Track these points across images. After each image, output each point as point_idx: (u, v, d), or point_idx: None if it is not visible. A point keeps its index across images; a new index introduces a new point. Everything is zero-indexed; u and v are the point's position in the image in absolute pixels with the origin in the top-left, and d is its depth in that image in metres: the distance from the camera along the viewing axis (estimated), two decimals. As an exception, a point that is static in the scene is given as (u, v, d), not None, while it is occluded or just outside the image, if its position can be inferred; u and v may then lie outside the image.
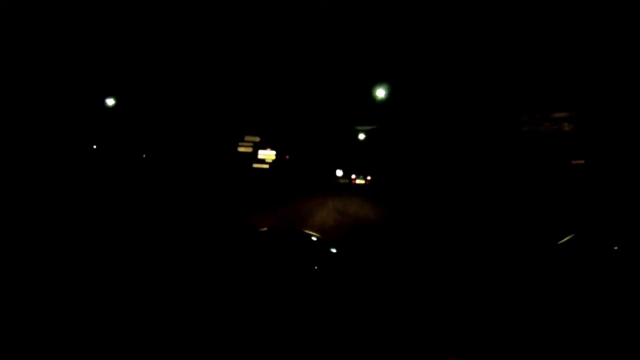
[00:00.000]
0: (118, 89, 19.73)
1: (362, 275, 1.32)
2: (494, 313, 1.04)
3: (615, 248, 1.27)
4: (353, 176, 43.94)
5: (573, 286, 1.16)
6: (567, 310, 1.04)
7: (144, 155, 23.63)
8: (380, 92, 18.86)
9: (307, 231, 1.69)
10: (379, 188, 23.51)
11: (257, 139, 27.02)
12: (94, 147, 20.14)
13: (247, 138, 26.93)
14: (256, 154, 27.07)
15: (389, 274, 1.32)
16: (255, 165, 26.67)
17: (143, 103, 21.67)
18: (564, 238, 1.38)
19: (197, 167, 20.59)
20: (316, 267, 1.35)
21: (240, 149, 26.65)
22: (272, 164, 27.24)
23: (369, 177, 39.14)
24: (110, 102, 19.28)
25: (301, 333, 0.99)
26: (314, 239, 1.59)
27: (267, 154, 27.44)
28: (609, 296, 1.07)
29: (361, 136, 35.44)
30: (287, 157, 29.87)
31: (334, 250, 1.48)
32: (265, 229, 2.21)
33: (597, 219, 5.60)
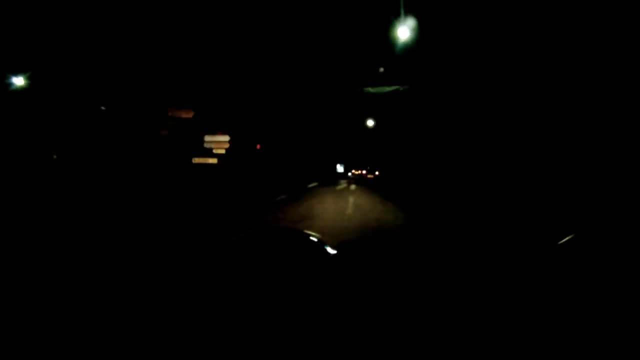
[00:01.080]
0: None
1: (362, 276, 1.32)
2: (494, 313, 1.04)
3: (616, 248, 1.27)
4: (363, 172, 38.22)
5: (573, 287, 1.16)
6: (567, 310, 1.04)
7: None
8: (404, 33, 11.49)
9: (306, 231, 1.69)
10: (380, 187, 22.16)
11: (190, 113, 16.02)
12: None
13: (172, 113, 15.82)
14: (195, 138, 16.10)
15: (390, 274, 1.32)
16: (197, 160, 15.98)
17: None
18: (564, 238, 1.38)
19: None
20: (314, 268, 1.34)
21: (164, 132, 15.83)
22: (226, 155, 16.29)
23: (377, 172, 34.10)
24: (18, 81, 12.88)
25: (296, 336, 0.99)
26: (312, 239, 1.59)
27: (218, 141, 16.27)
28: (610, 297, 1.07)
29: (370, 123, 25.04)
30: (258, 146, 19.66)
31: (333, 252, 1.47)
32: (262, 229, 2.21)
33: (597, 218, 5.59)
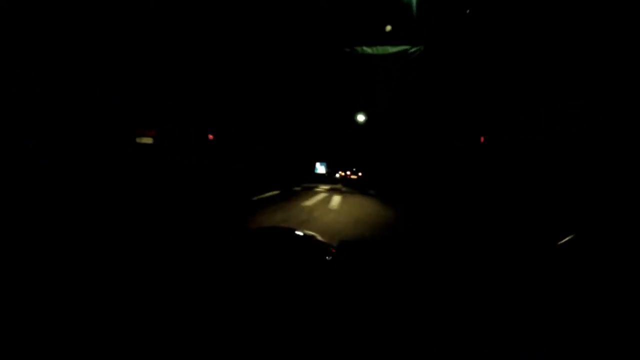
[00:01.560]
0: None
1: (363, 276, 1.32)
2: (493, 313, 1.04)
3: (616, 248, 1.27)
4: (347, 173, 35.40)
5: (573, 287, 1.16)
6: (567, 311, 1.04)
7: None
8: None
9: (306, 231, 1.68)
10: (378, 187, 21.47)
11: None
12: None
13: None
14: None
15: (390, 274, 1.32)
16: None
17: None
18: (564, 238, 1.38)
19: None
20: (314, 268, 1.34)
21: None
22: (156, 145, 10.91)
23: (360, 174, 28.94)
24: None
25: (296, 336, 0.98)
26: (312, 239, 1.59)
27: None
28: (610, 297, 1.07)
29: (361, 118, 18.81)
30: (211, 136, 14.32)
31: (333, 251, 1.47)
32: (261, 229, 2.20)
33: (597, 218, 5.59)
